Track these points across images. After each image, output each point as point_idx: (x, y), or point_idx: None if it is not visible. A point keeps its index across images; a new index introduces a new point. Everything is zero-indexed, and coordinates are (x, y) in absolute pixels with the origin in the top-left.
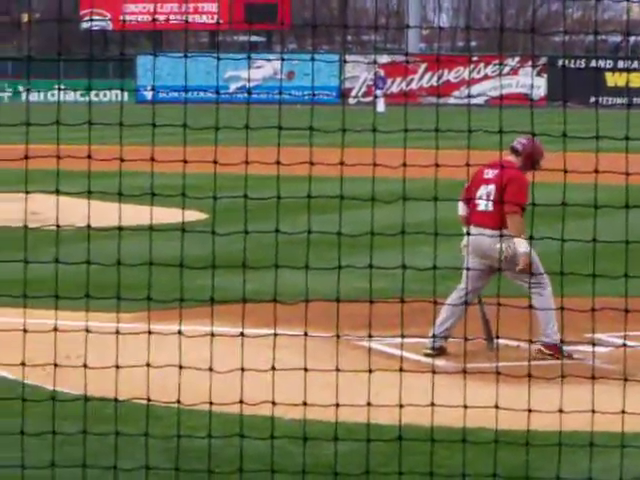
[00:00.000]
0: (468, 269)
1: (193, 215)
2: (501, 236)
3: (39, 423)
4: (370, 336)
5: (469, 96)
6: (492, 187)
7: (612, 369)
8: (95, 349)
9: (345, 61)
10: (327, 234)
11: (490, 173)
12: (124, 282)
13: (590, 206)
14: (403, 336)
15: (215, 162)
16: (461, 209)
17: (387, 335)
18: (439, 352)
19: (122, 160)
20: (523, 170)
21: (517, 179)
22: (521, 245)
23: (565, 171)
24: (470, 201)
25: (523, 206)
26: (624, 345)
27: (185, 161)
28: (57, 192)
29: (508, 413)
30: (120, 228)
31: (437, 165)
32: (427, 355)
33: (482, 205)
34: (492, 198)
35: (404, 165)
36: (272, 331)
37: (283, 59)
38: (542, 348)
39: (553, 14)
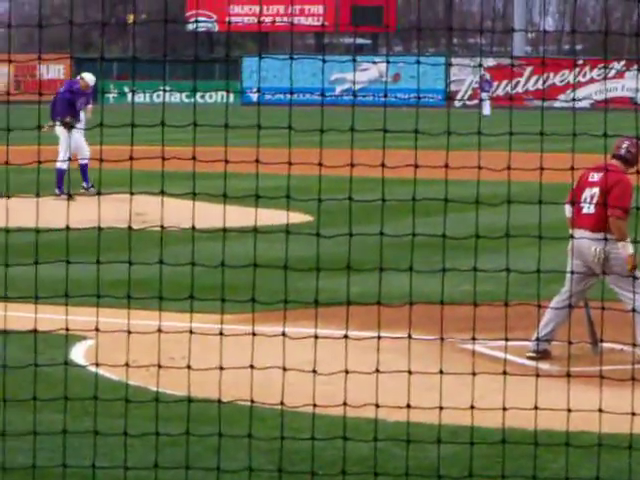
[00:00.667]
0: (572, 272)
1: (298, 217)
2: (606, 239)
3: (143, 424)
4: (474, 339)
5: (574, 99)
6: (596, 190)
7: None
8: (199, 350)
9: (450, 64)
10: (431, 237)
11: (595, 176)
12: (228, 283)
13: None
14: (507, 339)
15: (320, 164)
16: (567, 212)
17: (491, 338)
18: (543, 355)
19: (227, 162)
20: (627, 170)
21: (622, 182)
22: (626, 248)
23: None
24: (575, 204)
25: (627, 209)
26: None
27: (290, 163)
28: (162, 193)
29: (611, 416)
30: (225, 230)
31: (542, 169)
32: (530, 358)
33: (585, 208)
34: (595, 201)
35: (508, 168)
36: (376, 334)
37: (389, 62)
38: None
39: None
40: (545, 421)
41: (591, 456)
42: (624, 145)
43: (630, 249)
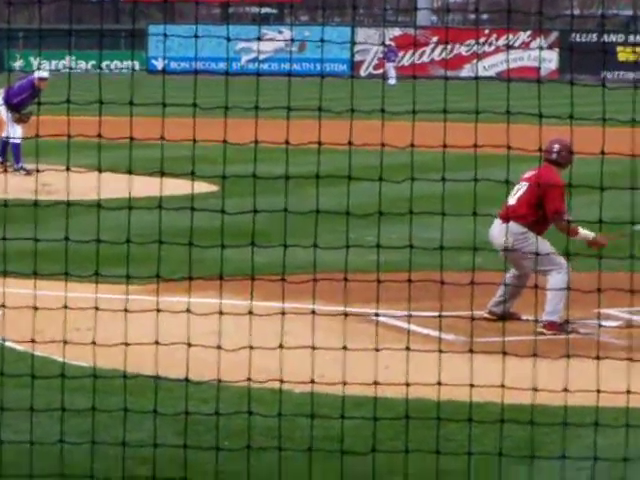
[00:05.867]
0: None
1: (203, 187)
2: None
3: (48, 394)
4: (377, 314)
5: (476, 75)
6: (525, 185)
7: (620, 344)
8: (105, 319)
9: (354, 40)
10: (337, 207)
11: (528, 173)
12: (134, 254)
13: (596, 187)
14: (410, 313)
15: (224, 141)
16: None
17: (397, 308)
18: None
19: (132, 139)
20: (560, 172)
21: (555, 186)
22: (586, 237)
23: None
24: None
25: (563, 211)
26: (629, 323)
27: (194, 140)
28: (67, 168)
29: (515, 386)
30: (130, 200)
31: (445, 146)
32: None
33: (510, 199)
34: (519, 194)
35: (412, 145)
36: (281, 304)
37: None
38: (542, 330)
39: None
40: (449, 392)
41: (495, 427)
42: (555, 149)
43: (589, 236)
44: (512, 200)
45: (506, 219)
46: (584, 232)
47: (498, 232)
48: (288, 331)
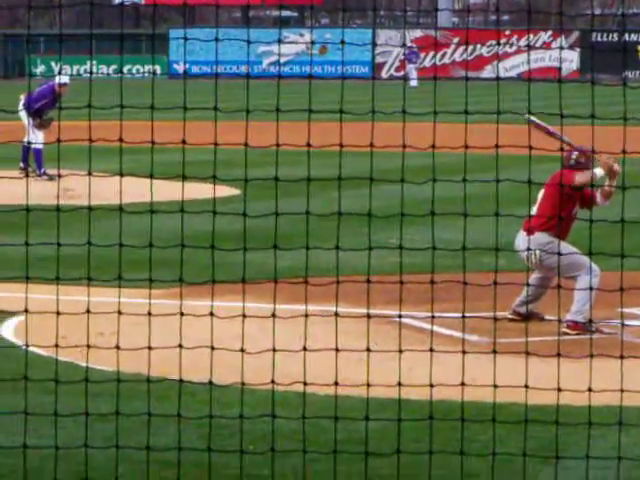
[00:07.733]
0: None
1: (225, 190)
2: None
3: (73, 400)
4: (400, 316)
5: (497, 76)
6: (542, 191)
7: None
8: (129, 324)
9: (375, 42)
10: (359, 209)
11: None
12: (157, 258)
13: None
14: (433, 314)
15: (246, 145)
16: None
17: (420, 310)
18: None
19: (153, 143)
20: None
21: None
22: (596, 174)
23: (593, 152)
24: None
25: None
26: None
27: (216, 144)
28: (89, 173)
29: (539, 386)
30: (152, 204)
31: (466, 147)
32: (511, 320)
33: (532, 211)
34: (537, 203)
35: (433, 147)
36: (304, 307)
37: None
38: (566, 330)
39: None
40: (473, 392)
41: (519, 427)
42: (573, 155)
43: (597, 173)
44: (533, 211)
45: (530, 231)
46: (597, 173)
47: (522, 244)
48: (311, 334)
